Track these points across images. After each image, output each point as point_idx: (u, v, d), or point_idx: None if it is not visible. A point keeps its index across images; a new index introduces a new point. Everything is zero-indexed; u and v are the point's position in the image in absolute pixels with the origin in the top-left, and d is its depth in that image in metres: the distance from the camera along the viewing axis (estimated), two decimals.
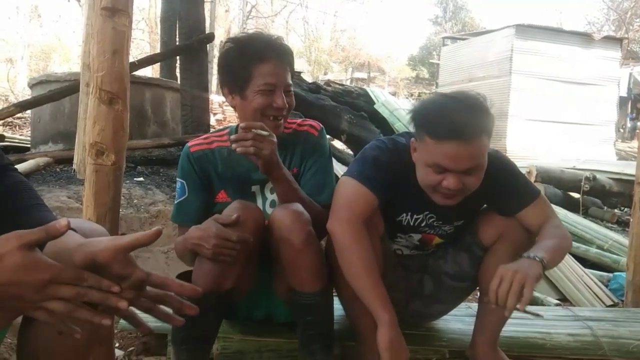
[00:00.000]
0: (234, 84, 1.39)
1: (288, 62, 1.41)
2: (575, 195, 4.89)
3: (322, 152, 1.48)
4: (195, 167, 1.43)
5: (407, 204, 1.45)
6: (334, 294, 1.48)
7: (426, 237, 1.51)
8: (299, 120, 1.53)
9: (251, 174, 1.43)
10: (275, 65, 1.36)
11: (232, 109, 1.49)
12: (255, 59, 1.35)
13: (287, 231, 1.26)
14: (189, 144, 1.48)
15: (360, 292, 1.28)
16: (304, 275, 1.31)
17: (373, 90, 6.98)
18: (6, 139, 5.44)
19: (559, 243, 1.31)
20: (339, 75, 22.66)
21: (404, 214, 1.46)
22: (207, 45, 4.40)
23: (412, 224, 1.47)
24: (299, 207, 1.30)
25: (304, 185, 1.42)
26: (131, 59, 3.85)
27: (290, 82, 1.41)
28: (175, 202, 1.48)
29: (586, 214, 4.54)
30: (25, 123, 7.93)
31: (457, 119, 1.22)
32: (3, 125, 7.80)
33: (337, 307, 1.62)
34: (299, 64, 22.42)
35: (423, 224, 1.48)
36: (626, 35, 13.89)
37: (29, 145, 4.52)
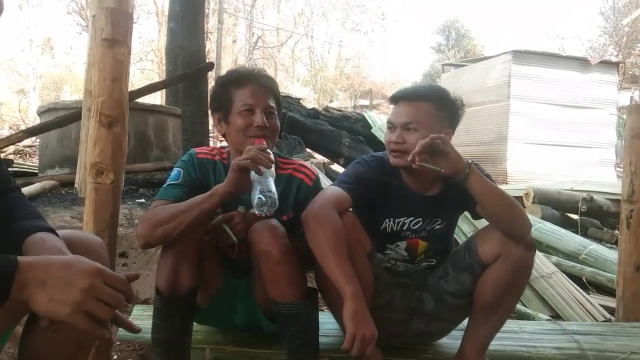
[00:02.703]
0: (219, 111, 1.50)
1: (268, 87, 1.49)
2: (574, 216, 4.91)
3: None
4: (197, 168, 1.50)
5: (388, 209, 1.54)
6: (320, 308, 1.53)
7: (411, 243, 1.57)
8: (296, 164, 1.59)
9: (241, 195, 1.48)
10: (253, 88, 1.46)
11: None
12: (235, 84, 1.47)
13: (265, 244, 1.32)
14: (195, 150, 1.55)
15: (326, 268, 1.30)
16: (284, 286, 1.35)
17: (370, 115, 7.11)
18: (15, 165, 5.59)
19: (502, 190, 1.42)
20: (344, 102, 22.90)
21: (387, 220, 1.54)
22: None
23: (395, 229, 1.55)
24: (275, 222, 1.36)
25: (302, 234, 1.44)
26: (138, 88, 4.02)
27: (272, 105, 1.49)
28: (166, 184, 1.47)
29: (585, 235, 4.55)
30: (35, 151, 8.10)
31: (404, 89, 1.58)
32: (14, 153, 7.99)
33: (326, 320, 1.68)
34: (305, 93, 22.72)
35: (405, 228, 1.55)
36: (622, 60, 14.02)
37: (37, 171, 4.65)
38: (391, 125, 1.52)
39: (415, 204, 1.54)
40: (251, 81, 1.47)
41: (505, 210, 1.40)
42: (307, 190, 1.53)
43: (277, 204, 1.27)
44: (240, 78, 1.48)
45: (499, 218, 1.43)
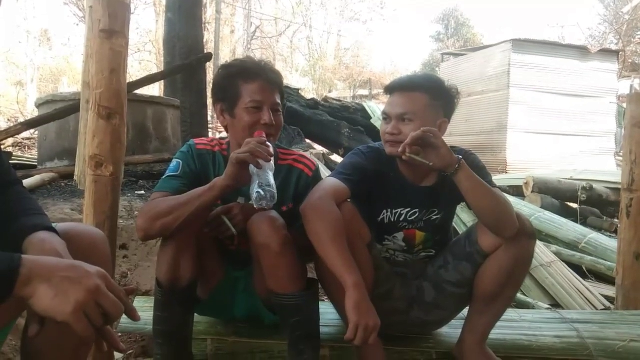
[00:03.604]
0: (224, 103, 1.47)
1: (275, 83, 1.47)
2: (574, 205, 4.91)
3: None
4: (196, 159, 1.49)
5: (385, 200, 1.54)
6: (320, 298, 1.53)
7: (408, 234, 1.57)
8: (296, 155, 1.59)
9: (240, 188, 1.47)
10: (262, 84, 1.44)
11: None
12: (244, 78, 1.44)
13: (265, 236, 1.32)
14: (194, 141, 1.54)
15: (327, 260, 1.30)
16: (283, 277, 1.36)
17: (370, 105, 7.11)
18: (14, 158, 5.58)
19: (490, 189, 1.40)
20: (343, 92, 22.79)
21: (384, 211, 1.54)
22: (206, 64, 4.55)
23: (392, 219, 1.55)
24: (274, 213, 1.36)
25: (301, 225, 1.45)
26: (136, 79, 4.00)
27: (279, 101, 1.48)
28: (165, 176, 1.46)
29: (585, 224, 4.55)
30: (34, 144, 8.09)
31: (399, 79, 1.57)
32: (13, 146, 7.97)
33: (327, 310, 1.68)
34: (304, 83, 22.63)
35: (402, 219, 1.55)
36: (622, 48, 13.93)
37: (35, 164, 4.64)
38: (386, 117, 1.51)
39: (411, 195, 1.54)
40: (260, 76, 1.45)
41: (491, 209, 1.40)
42: (307, 181, 1.53)
43: (276, 198, 1.27)
44: (249, 72, 1.45)
45: (484, 216, 1.43)
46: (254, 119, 1.42)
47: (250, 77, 1.44)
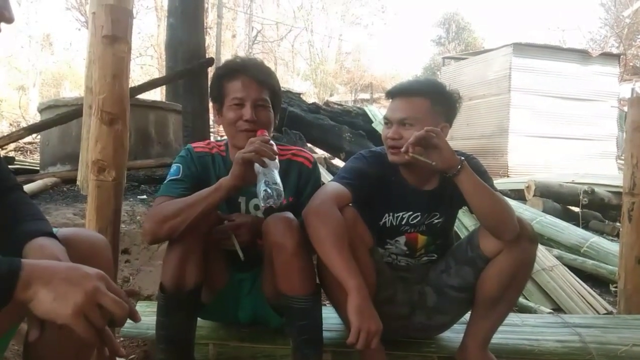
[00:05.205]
0: (216, 103, 1.50)
1: (258, 79, 1.46)
2: (575, 209, 4.90)
3: (317, 184, 1.57)
4: (196, 162, 1.50)
5: (387, 204, 1.54)
6: (322, 302, 1.54)
7: (410, 238, 1.58)
8: (294, 149, 1.60)
9: (246, 187, 1.48)
10: (243, 81, 1.45)
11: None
12: (227, 77, 1.46)
13: (280, 236, 1.32)
14: (192, 145, 1.55)
15: (329, 264, 1.31)
16: (295, 279, 1.36)
17: (371, 109, 7.13)
18: (16, 162, 5.60)
19: (492, 191, 1.40)
20: (344, 96, 22.80)
21: (386, 215, 1.55)
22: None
23: (394, 223, 1.55)
24: (290, 215, 1.37)
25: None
26: (138, 84, 4.02)
27: (264, 97, 1.47)
28: (167, 180, 1.47)
29: (587, 228, 4.54)
30: (36, 148, 8.10)
31: (401, 83, 1.58)
32: (15, 150, 7.99)
33: (330, 315, 1.68)
34: (305, 87, 22.66)
35: (403, 222, 1.56)
36: (623, 52, 13.93)
37: (38, 168, 4.66)
38: (388, 121, 1.52)
39: (413, 198, 1.54)
40: (242, 73, 1.46)
41: (492, 211, 1.40)
42: (308, 173, 1.55)
43: (283, 195, 1.28)
44: (231, 70, 1.48)
45: (485, 218, 1.43)
46: (237, 116, 1.44)
47: (232, 75, 1.46)
